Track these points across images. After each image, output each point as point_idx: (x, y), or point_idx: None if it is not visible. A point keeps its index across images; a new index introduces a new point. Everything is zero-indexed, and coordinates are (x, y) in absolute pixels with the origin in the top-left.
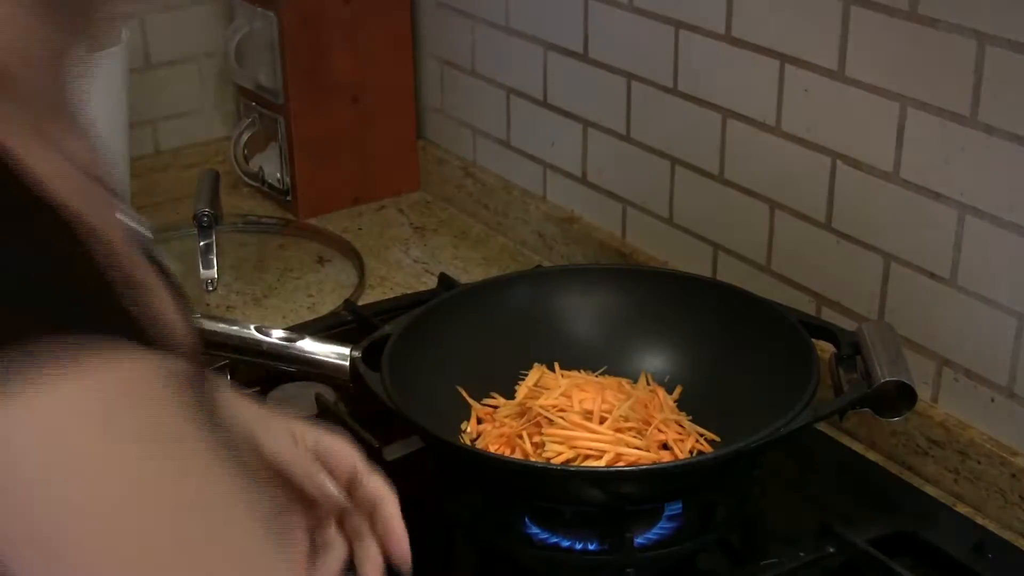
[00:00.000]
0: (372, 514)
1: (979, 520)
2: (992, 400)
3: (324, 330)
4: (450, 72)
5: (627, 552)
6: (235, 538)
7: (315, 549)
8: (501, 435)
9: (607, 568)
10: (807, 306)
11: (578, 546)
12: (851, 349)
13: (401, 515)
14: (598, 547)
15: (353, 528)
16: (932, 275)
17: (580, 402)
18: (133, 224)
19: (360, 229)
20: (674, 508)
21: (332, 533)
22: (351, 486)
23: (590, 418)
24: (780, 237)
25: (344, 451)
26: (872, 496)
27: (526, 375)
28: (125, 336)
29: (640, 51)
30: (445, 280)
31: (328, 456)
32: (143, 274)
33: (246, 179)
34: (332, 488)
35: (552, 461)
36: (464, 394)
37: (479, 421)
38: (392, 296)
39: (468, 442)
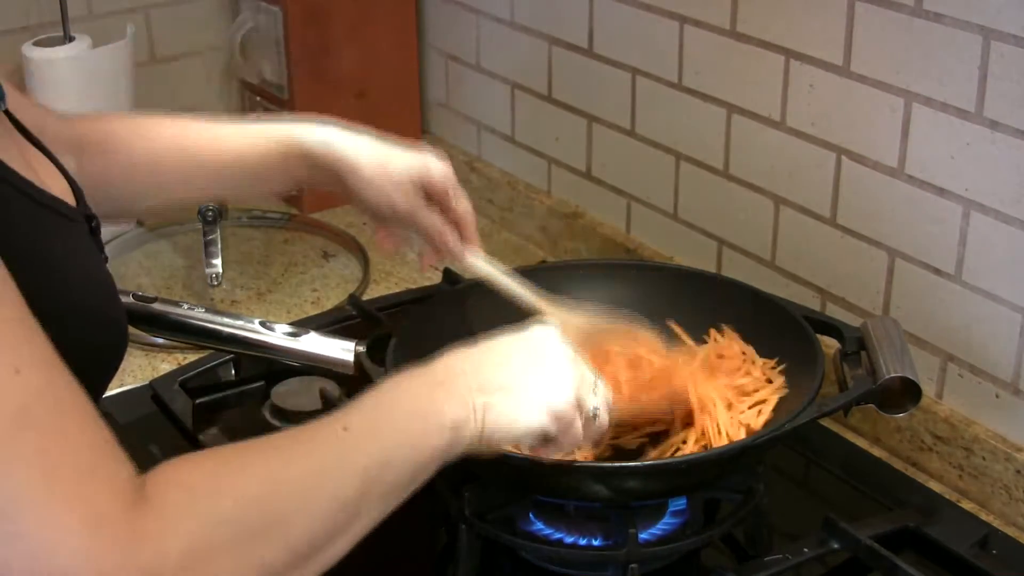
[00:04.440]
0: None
1: (983, 516)
2: (997, 396)
3: (328, 325)
4: (455, 67)
5: (631, 548)
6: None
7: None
8: None
9: (611, 563)
10: (812, 302)
11: (582, 541)
12: (856, 345)
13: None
14: (602, 543)
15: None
16: (937, 271)
17: None
18: None
19: (364, 224)
20: (678, 504)
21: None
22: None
23: None
24: (785, 232)
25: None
26: (876, 492)
27: None
28: None
29: (645, 46)
30: (449, 275)
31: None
32: None
33: None
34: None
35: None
36: None
37: None
38: (396, 291)
39: None
